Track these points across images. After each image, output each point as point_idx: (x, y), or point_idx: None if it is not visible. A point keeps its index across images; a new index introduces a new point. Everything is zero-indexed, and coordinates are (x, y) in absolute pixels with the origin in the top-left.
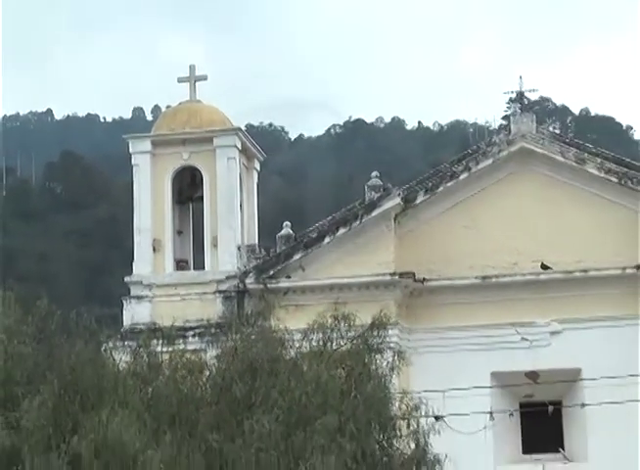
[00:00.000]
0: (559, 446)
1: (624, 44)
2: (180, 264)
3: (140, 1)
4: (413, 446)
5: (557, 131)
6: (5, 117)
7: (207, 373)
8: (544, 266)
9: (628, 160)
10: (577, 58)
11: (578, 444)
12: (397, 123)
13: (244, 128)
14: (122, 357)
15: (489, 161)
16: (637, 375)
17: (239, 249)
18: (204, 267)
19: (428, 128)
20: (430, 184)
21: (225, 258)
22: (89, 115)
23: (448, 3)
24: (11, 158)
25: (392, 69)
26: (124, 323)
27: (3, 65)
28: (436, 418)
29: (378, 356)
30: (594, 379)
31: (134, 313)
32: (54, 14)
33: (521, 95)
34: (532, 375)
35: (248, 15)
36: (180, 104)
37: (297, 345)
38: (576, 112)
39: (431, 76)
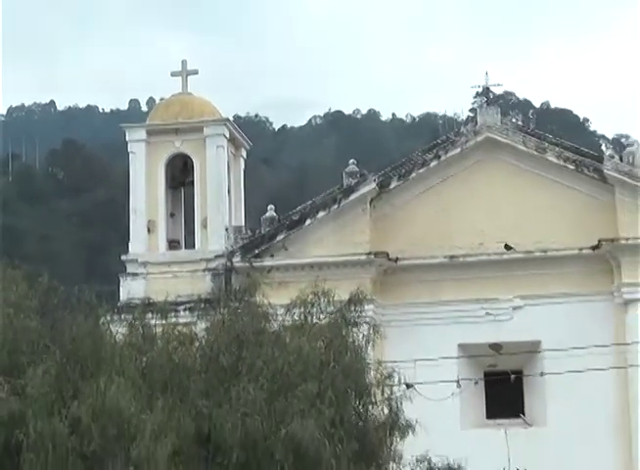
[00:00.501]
0: (520, 412)
1: (583, 42)
2: (172, 244)
3: (136, 1)
4: (386, 411)
5: (520, 123)
6: (11, 107)
7: (197, 344)
8: (507, 247)
9: (585, 149)
10: (539, 55)
11: (538, 410)
12: (373, 115)
13: (231, 119)
14: (119, 330)
15: (457, 150)
16: (592, 347)
17: (227, 230)
18: (194, 247)
19: (401, 119)
20: (403, 171)
21: (214, 238)
22: (89, 106)
23: (420, 4)
24: (16, 145)
25: (369, 64)
26: (121, 298)
27: (10, 59)
28: (408, 386)
29: (354, 330)
30: (552, 350)
31: (130, 289)
32: (55, 13)
33: (486, 89)
34: (496, 347)
35: (234, 15)
36: (173, 96)
37: (281, 318)
38: (537, 105)
39: (403, 71)
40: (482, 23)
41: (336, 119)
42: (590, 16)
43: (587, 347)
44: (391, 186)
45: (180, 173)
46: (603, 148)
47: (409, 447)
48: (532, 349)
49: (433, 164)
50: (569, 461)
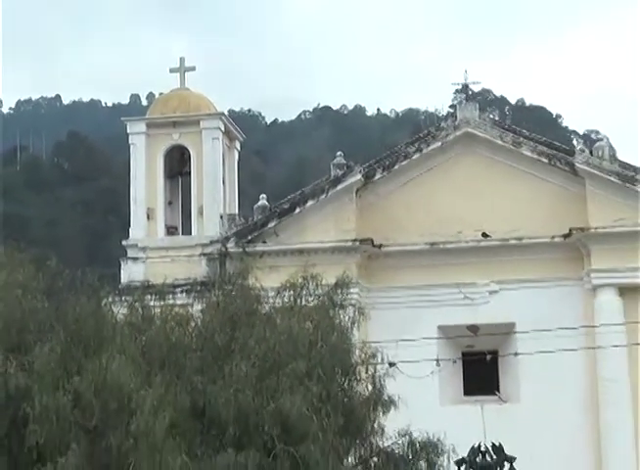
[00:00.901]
0: (495, 390)
1: (556, 42)
2: (170, 230)
3: (137, 1)
4: (370, 388)
5: (496, 118)
6: (19, 101)
7: (193, 324)
8: (484, 235)
9: (557, 143)
10: (515, 54)
11: (512, 387)
12: (359, 110)
13: (226, 113)
14: (120, 310)
15: (438, 143)
16: (562, 329)
17: (221, 217)
18: (191, 233)
19: (385, 115)
20: (387, 163)
21: (209, 225)
22: (92, 100)
23: (404, 5)
24: (24, 137)
25: (355, 62)
26: (122, 281)
27: (18, 56)
28: (390, 365)
29: (341, 312)
30: (526, 332)
31: (130, 272)
32: (59, 13)
33: (465, 87)
34: (473, 328)
35: (231, 16)
36: (171, 91)
37: (272, 301)
38: (513, 102)
39: (388, 69)
40: (463, 24)
41: (324, 115)
42: (563, 17)
43: (558, 329)
44: (376, 177)
45: (178, 164)
46: (574, 143)
47: (391, 422)
48: (507, 330)
49: (415, 156)
50: (540, 436)
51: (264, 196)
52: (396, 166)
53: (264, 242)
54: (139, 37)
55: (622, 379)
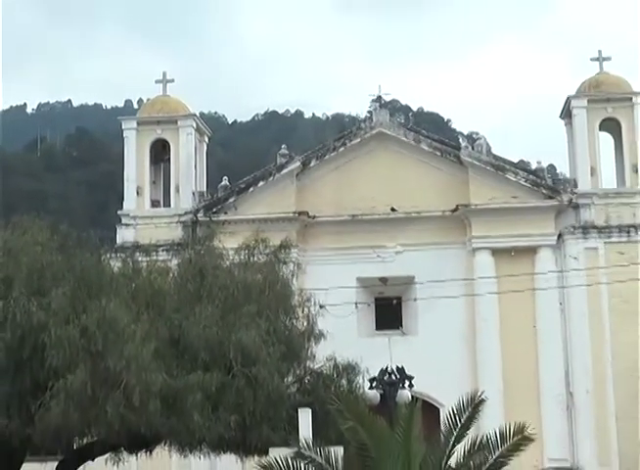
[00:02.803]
0: (399, 325)
1: (448, 63)
2: (154, 203)
3: (132, 24)
4: (305, 324)
5: (402, 121)
6: (40, 103)
7: (171, 275)
8: (392, 209)
9: (447, 141)
10: (417, 71)
11: (412, 324)
12: (299, 113)
13: (197, 114)
14: (115, 264)
15: (358, 139)
16: (449, 280)
17: (193, 194)
18: (170, 205)
19: (319, 117)
20: (319, 154)
21: (184, 199)
22: (95, 103)
23: (334, 31)
24: (43, 131)
25: (296, 74)
26: (117, 242)
27: (38, 68)
28: (321, 306)
29: (283, 267)
30: (422, 283)
31: (123, 236)
32: (70, 33)
33: (379, 97)
34: (383, 280)
35: (200, 37)
36: (156, 97)
37: (231, 258)
38: (415, 109)
39: (321, 81)
40: (379, 46)
41: (272, 116)
42: (452, 42)
43: (447, 280)
44: (311, 165)
45: (160, 153)
46: (460, 140)
47: (321, 350)
48: (408, 281)
49: (340, 149)
50: (432, 360)
51: (226, 178)
52: (326, 157)
53: (226, 213)
54: (134, 53)
55: (493, 317)
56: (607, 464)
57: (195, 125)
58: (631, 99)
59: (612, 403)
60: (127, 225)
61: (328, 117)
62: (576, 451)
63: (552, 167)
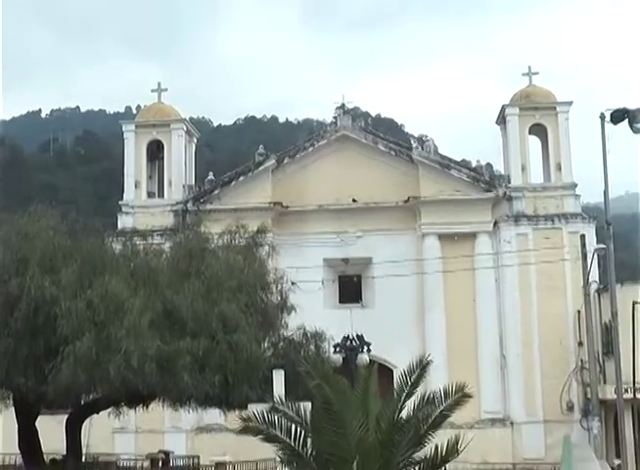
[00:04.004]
0: (359, 299)
1: (400, 74)
2: (150, 194)
3: (131, 39)
4: (279, 298)
5: (362, 125)
6: (53, 109)
7: (164, 256)
8: (354, 200)
9: (401, 142)
10: (373, 81)
11: (370, 298)
12: (274, 118)
13: (187, 119)
14: (116, 246)
15: (325, 141)
16: (402, 261)
17: (184, 187)
18: (164, 196)
19: (291, 122)
20: (291, 153)
21: (176, 191)
22: (100, 109)
23: (304, 45)
24: (56, 133)
25: (272, 83)
26: (118, 227)
27: (51, 79)
28: (292, 283)
29: (260, 249)
30: (379, 263)
31: (123, 222)
32: (79, 47)
33: (343, 104)
34: (345, 260)
35: (191, 49)
36: (152, 104)
37: (216, 241)
38: (374, 114)
39: (294, 90)
40: (341, 61)
41: (251, 121)
42: (405, 57)
43: (399, 261)
44: (285, 162)
45: (155, 151)
46: (412, 142)
47: (292, 321)
48: (367, 262)
49: (309, 149)
50: (387, 329)
51: (211, 173)
52: (297, 156)
53: (211, 203)
54: (130, 67)
55: (439, 292)
56: (533, 415)
57: (185, 128)
58: (555, 108)
59: (537, 365)
60: (127, 213)
61: (299, 122)
62: (508, 405)
63: (489, 165)
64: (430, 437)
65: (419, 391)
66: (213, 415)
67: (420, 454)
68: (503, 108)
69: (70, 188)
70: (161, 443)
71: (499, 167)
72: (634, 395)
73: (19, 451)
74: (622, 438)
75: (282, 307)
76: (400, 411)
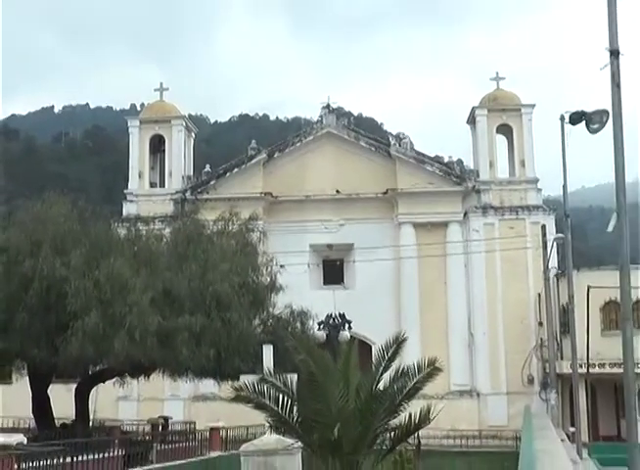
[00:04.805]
0: (342, 281)
1: (378, 78)
2: (152, 184)
3: (136, 44)
4: (268, 279)
5: (345, 124)
6: (65, 106)
7: (165, 240)
8: (337, 191)
9: (380, 139)
10: (355, 84)
11: (351, 280)
12: (266, 116)
13: (186, 115)
14: (122, 231)
15: (311, 137)
16: (381, 247)
17: (183, 177)
18: (164, 186)
19: (281, 120)
20: (281, 148)
21: (176, 182)
22: (107, 106)
23: (292, 51)
24: (67, 127)
25: (264, 86)
26: (123, 214)
27: (63, 79)
28: (281, 266)
29: (252, 234)
30: (360, 248)
31: (128, 209)
32: (88, 51)
33: (328, 105)
34: (329, 246)
35: (190, 52)
36: (154, 102)
37: (211, 227)
38: (356, 114)
39: (284, 91)
40: (327, 65)
41: (244, 118)
42: (385, 62)
43: (378, 247)
44: (275, 156)
45: (157, 145)
46: (390, 139)
47: (280, 300)
48: (349, 248)
49: (297, 144)
50: (366, 308)
51: (208, 165)
52: (287, 150)
53: (207, 193)
54: (135, 68)
55: (413, 276)
56: (497, 388)
57: (184, 124)
58: (520, 110)
59: (501, 342)
60: (131, 201)
61: (288, 120)
62: (475, 378)
63: (460, 161)
64: (404, 406)
65: (395, 365)
66: (208, 385)
67: (395, 422)
68: (473, 109)
69: (80, 178)
70: (161, 409)
71: (469, 163)
72: (587, 369)
73: (32, 416)
74: (577, 408)
75: (271, 288)
76: (378, 383)
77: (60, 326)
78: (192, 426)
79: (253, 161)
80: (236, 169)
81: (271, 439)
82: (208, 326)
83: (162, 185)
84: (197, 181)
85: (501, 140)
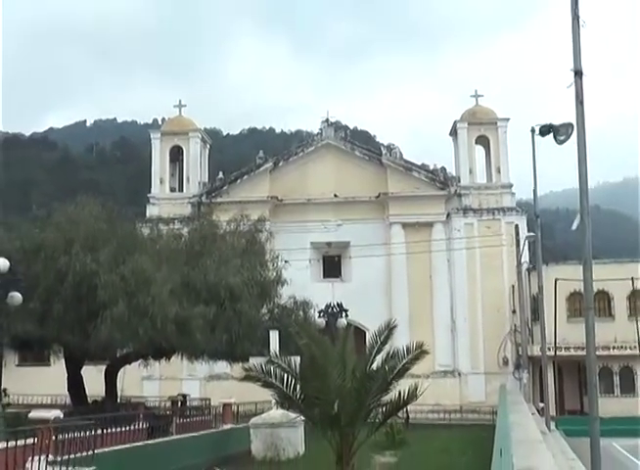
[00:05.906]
0: (339, 275)
1: (375, 93)
2: (172, 189)
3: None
4: (275, 274)
5: (343, 136)
6: (95, 120)
7: (183, 239)
8: (335, 195)
9: (373, 149)
10: (351, 100)
11: (348, 273)
12: (272, 129)
13: (202, 129)
14: (145, 231)
15: (312, 148)
16: (374, 245)
17: (199, 183)
18: (183, 191)
19: (285, 132)
20: (286, 157)
21: (193, 187)
22: (133, 120)
23: (294, 70)
24: (97, 139)
25: (270, 99)
26: (146, 215)
27: (93, 98)
28: (285, 261)
29: (260, 234)
30: (356, 246)
31: (151, 211)
32: (115, 69)
33: (327, 119)
34: (328, 244)
35: (205, 73)
36: (174, 117)
37: (224, 227)
38: (352, 127)
39: (287, 106)
40: (326, 83)
41: (253, 131)
42: (377, 81)
43: (371, 245)
44: (280, 164)
45: (176, 155)
46: (382, 149)
47: (285, 291)
48: (345, 245)
49: (300, 154)
50: (361, 299)
51: (221, 172)
52: (290, 159)
53: (221, 196)
54: (157, 87)
55: (403, 270)
56: (476, 368)
57: (200, 136)
58: (496, 123)
59: (480, 328)
60: (153, 204)
61: (291, 132)
62: (457, 360)
63: (443, 168)
64: (394, 384)
65: (386, 348)
66: (221, 366)
67: (386, 398)
68: (455, 123)
69: (109, 183)
70: (180, 388)
71: (451, 170)
72: (555, 352)
73: (68, 394)
74: (545, 386)
75: (277, 281)
76: (371, 364)
77: (91, 315)
78: (207, 402)
79: (261, 168)
80: (245, 176)
81: (277, 413)
82: (221, 314)
83: (181, 190)
84: (211, 186)
85: (479, 150)
